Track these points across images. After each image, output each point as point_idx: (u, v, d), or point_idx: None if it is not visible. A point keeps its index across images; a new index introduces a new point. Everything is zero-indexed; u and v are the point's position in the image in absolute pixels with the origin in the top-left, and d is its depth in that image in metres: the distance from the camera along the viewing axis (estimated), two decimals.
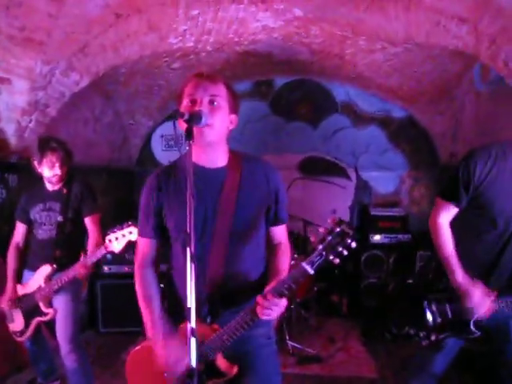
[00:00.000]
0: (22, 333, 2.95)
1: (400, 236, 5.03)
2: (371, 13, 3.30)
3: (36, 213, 2.97)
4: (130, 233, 2.68)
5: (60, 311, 2.88)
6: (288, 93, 5.88)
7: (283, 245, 1.83)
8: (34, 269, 2.90)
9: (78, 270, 2.74)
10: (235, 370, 1.65)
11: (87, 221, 3.00)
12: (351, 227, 1.41)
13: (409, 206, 5.68)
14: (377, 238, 5.06)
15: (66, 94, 3.76)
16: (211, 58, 4.54)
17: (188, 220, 1.31)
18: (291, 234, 5.19)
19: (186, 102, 1.59)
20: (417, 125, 5.62)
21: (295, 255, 4.15)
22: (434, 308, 2.26)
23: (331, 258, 1.43)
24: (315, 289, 4.56)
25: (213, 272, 1.64)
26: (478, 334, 2.14)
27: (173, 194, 1.67)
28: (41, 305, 2.85)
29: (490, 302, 2.06)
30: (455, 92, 4.66)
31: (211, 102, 1.57)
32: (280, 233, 1.84)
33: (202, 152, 1.63)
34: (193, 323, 1.22)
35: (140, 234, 1.81)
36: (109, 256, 4.29)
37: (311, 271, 1.45)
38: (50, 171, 2.90)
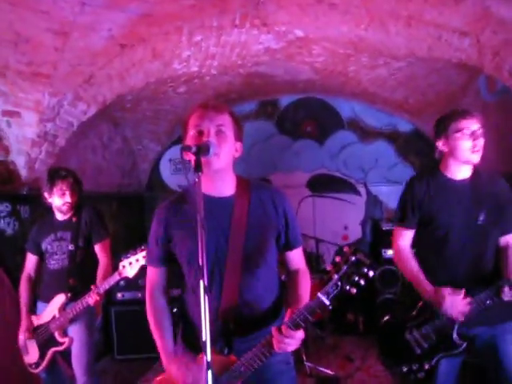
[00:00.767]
0: (37, 364, 2.93)
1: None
2: (372, 30, 3.32)
3: (47, 243, 2.98)
4: (143, 257, 2.66)
5: (75, 341, 2.87)
6: (293, 111, 5.92)
7: (301, 271, 1.82)
8: (48, 300, 2.90)
9: (91, 297, 2.74)
10: None
11: (97, 248, 3.00)
12: (368, 256, 1.41)
13: None
14: (390, 252, 4.98)
15: (74, 123, 3.81)
16: (216, 81, 4.58)
17: (200, 253, 1.31)
18: (303, 253, 5.16)
19: (192, 132, 1.60)
20: (424, 137, 5.60)
21: None
22: (416, 335, 2.24)
23: (347, 288, 1.42)
24: (330, 307, 4.49)
25: (227, 302, 1.63)
26: (464, 344, 2.13)
27: (182, 226, 1.67)
28: (56, 334, 2.84)
29: (461, 300, 2.08)
30: (461, 103, 4.64)
31: (218, 132, 1.58)
32: (296, 258, 1.83)
33: (209, 182, 1.64)
34: (208, 357, 1.21)
35: (149, 263, 1.82)
36: (122, 282, 4.28)
37: (327, 302, 1.44)
38: (60, 200, 2.92)
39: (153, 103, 4.89)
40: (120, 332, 4.52)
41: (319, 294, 1.44)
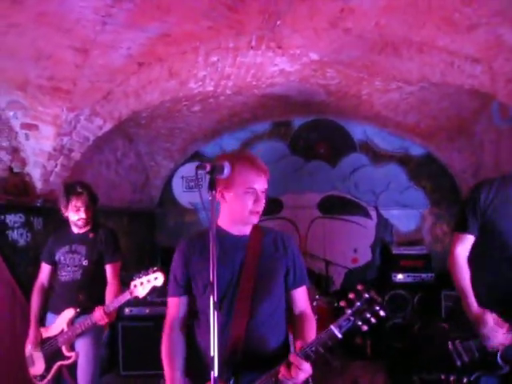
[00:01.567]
0: (42, 377, 2.92)
1: (423, 275, 4.91)
2: (385, 55, 3.37)
3: (61, 255, 3.02)
4: (155, 278, 2.65)
5: (82, 355, 2.87)
6: (306, 133, 5.96)
7: (307, 315, 1.84)
8: (58, 312, 2.91)
9: (100, 317, 2.75)
10: None
11: (107, 268, 3.02)
12: (379, 295, 1.45)
13: (431, 243, 5.59)
14: (400, 277, 4.95)
15: (89, 138, 3.89)
16: (230, 101, 4.66)
17: (211, 270, 1.34)
18: (313, 275, 5.14)
19: (245, 186, 1.72)
20: (436, 162, 5.60)
21: (316, 296, 4.09)
22: (459, 348, 2.19)
23: (359, 323, 1.44)
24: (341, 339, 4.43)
25: (235, 337, 1.67)
26: (507, 368, 2.08)
27: (201, 259, 1.74)
28: (63, 348, 2.85)
29: (502, 332, 2.04)
30: (473, 129, 4.65)
31: (262, 195, 1.76)
32: (302, 298, 1.86)
33: (231, 222, 1.80)
34: (216, 372, 1.22)
35: (170, 294, 1.85)
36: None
37: (339, 335, 1.45)
38: (75, 215, 2.97)
39: (167, 121, 4.97)
40: (126, 347, 4.48)
41: (332, 326, 1.46)
